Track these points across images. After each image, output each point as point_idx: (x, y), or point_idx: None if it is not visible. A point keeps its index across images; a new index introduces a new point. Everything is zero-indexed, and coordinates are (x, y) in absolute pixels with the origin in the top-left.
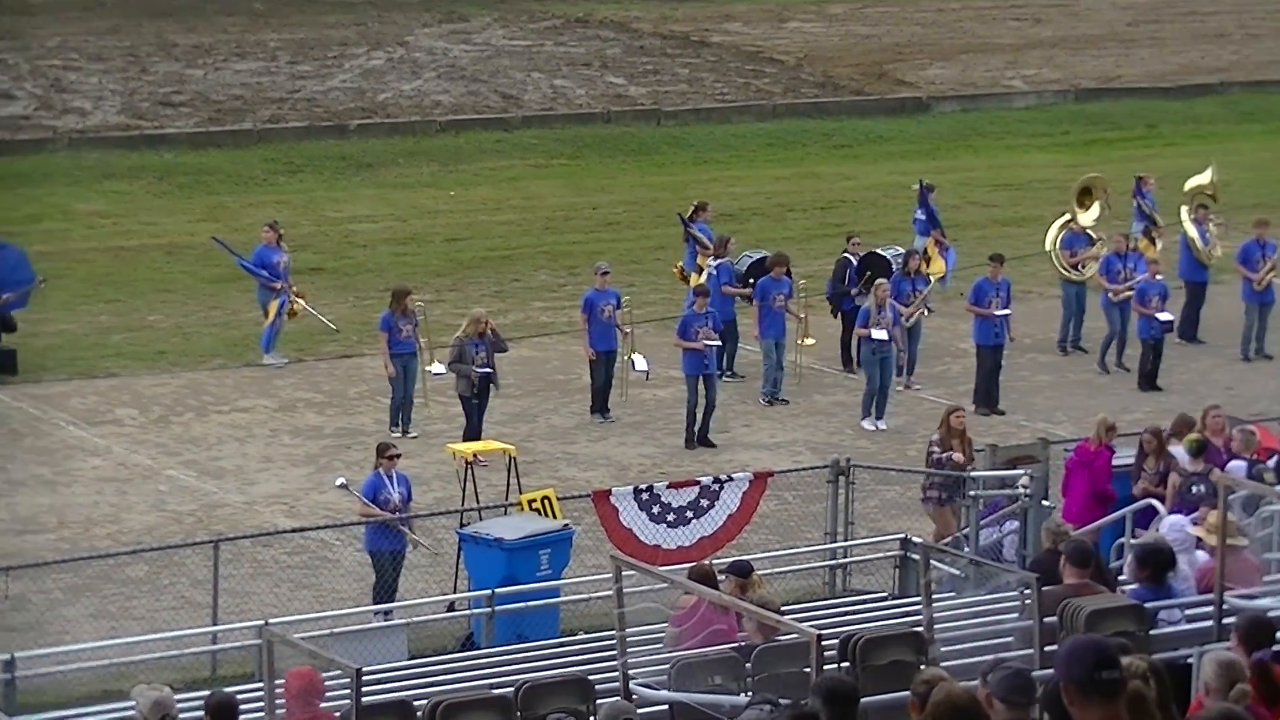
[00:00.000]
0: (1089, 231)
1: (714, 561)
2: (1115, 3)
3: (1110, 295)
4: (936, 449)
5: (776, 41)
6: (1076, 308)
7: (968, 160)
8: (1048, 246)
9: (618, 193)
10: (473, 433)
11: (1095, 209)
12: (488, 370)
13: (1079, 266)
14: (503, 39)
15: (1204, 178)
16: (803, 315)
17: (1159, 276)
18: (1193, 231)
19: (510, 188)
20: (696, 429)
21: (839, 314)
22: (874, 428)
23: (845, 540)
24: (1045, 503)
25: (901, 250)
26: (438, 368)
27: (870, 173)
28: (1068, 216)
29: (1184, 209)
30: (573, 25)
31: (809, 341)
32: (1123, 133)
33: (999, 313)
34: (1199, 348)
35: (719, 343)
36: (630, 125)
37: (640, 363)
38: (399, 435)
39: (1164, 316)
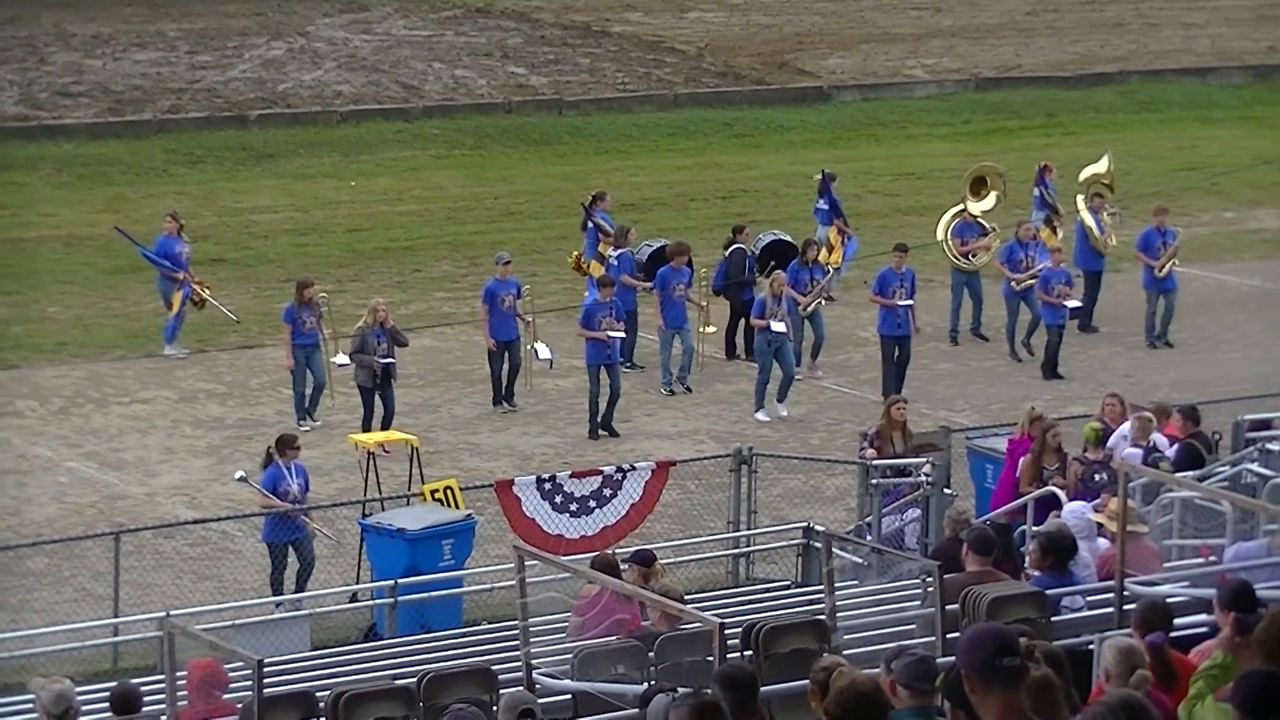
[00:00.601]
0: (981, 221)
1: (617, 551)
2: None
3: (1013, 284)
4: (866, 442)
5: (678, 31)
6: (971, 297)
7: (869, 150)
8: (939, 235)
9: (519, 183)
10: (368, 422)
11: (990, 198)
12: (389, 361)
13: (970, 255)
14: (403, 29)
15: (1100, 167)
16: (704, 304)
17: (1063, 265)
18: (1089, 220)
19: (412, 178)
20: (600, 418)
21: (737, 305)
22: (769, 419)
23: (748, 529)
24: (947, 490)
25: (782, 237)
26: (342, 358)
27: (771, 162)
28: (961, 206)
29: (1080, 198)
30: (473, 15)
31: (710, 329)
32: (1023, 122)
33: (902, 303)
34: (1097, 336)
35: (623, 334)
36: (531, 115)
37: (543, 351)
38: (305, 428)
39: (1071, 304)
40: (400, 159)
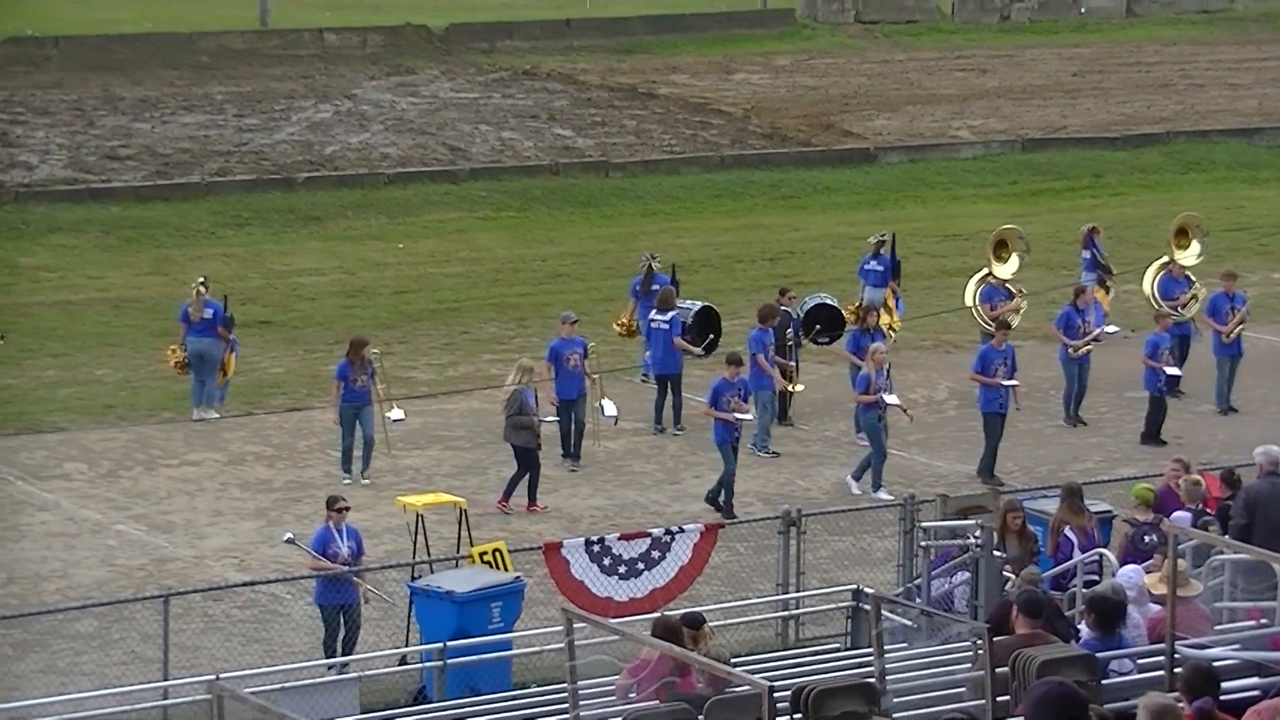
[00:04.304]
0: (1008, 285)
1: (664, 612)
2: (1059, 53)
3: (1070, 350)
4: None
5: (723, 93)
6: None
7: (914, 210)
8: (968, 300)
9: (565, 244)
10: (532, 486)
11: (1013, 261)
12: (553, 419)
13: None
14: (450, 91)
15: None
16: (792, 363)
17: (1166, 331)
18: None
19: (458, 240)
20: (711, 494)
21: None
22: (861, 493)
23: (797, 591)
24: (996, 553)
25: (826, 301)
26: (397, 414)
27: (817, 223)
28: (985, 270)
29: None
30: (520, 78)
31: (799, 388)
32: (1069, 183)
33: (1006, 383)
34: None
35: (751, 415)
36: (578, 177)
37: (609, 408)
38: (349, 481)
39: (1172, 371)
40: (446, 221)
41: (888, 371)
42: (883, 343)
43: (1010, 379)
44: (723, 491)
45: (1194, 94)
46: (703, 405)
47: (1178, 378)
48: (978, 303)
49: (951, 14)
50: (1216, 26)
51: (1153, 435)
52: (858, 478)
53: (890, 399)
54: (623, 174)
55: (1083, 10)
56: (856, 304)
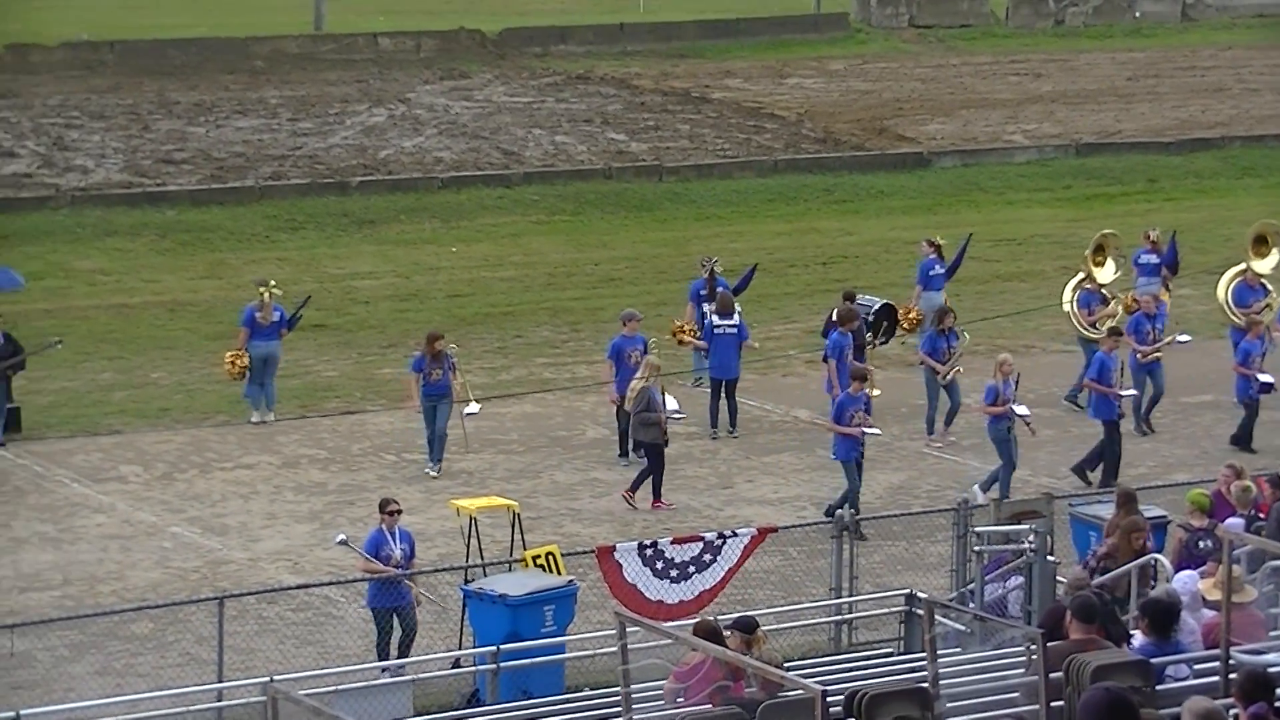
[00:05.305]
0: (1104, 290)
1: (719, 617)
2: (1114, 58)
3: (1139, 356)
4: (1095, 561)
5: (777, 97)
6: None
7: (968, 215)
8: (1065, 307)
9: (619, 249)
10: (658, 482)
11: (1110, 267)
12: (682, 415)
13: (1096, 324)
14: (503, 95)
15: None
16: (871, 367)
17: (1258, 338)
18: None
19: (511, 244)
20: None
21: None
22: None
23: (850, 596)
24: (1050, 558)
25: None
26: (473, 407)
27: (871, 228)
28: (1082, 275)
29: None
30: (573, 82)
31: (875, 392)
32: (1123, 187)
33: (1125, 393)
34: (1207, 404)
35: (878, 430)
36: (631, 181)
37: (671, 403)
38: (435, 474)
39: (1265, 378)
40: (500, 225)
41: (1016, 382)
42: (956, 342)
43: (1127, 388)
44: (845, 506)
45: (1249, 98)
46: (824, 421)
47: (1270, 385)
48: (1075, 308)
49: (1005, 18)
50: (1272, 30)
51: (1244, 440)
52: (986, 489)
53: (1020, 410)
54: (676, 178)
55: (1137, 15)
56: (909, 308)
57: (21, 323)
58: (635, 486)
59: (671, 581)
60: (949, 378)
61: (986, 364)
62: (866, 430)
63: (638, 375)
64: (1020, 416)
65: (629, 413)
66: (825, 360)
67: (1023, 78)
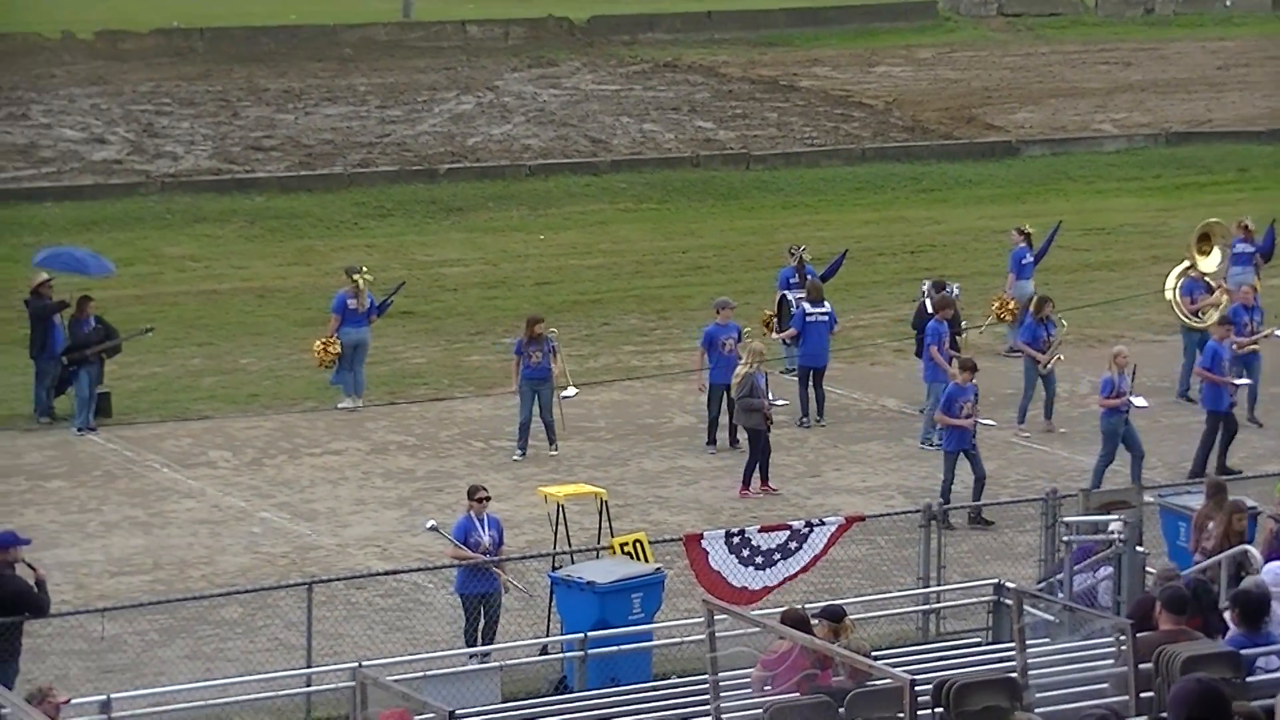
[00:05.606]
0: (1208, 279)
1: (806, 606)
2: (1204, 46)
3: (1234, 347)
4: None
5: (865, 86)
6: (1186, 355)
7: (1057, 204)
8: (1167, 295)
9: (706, 237)
10: (750, 469)
11: (1215, 255)
12: (783, 402)
13: (1199, 314)
14: (591, 84)
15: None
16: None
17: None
18: None
19: (599, 232)
20: (973, 510)
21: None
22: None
23: (938, 585)
24: (1140, 548)
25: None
26: (569, 391)
27: (959, 216)
28: (1187, 263)
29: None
30: (661, 70)
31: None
32: (1213, 177)
33: (1239, 382)
34: None
35: (992, 421)
36: (719, 169)
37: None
38: (519, 458)
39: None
40: (588, 212)
41: (1132, 374)
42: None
43: (1241, 377)
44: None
45: None
46: (935, 412)
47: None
48: (1178, 296)
49: (1095, 7)
50: None
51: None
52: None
53: (1139, 401)
54: (764, 166)
55: (1228, 3)
56: (1000, 296)
57: (112, 308)
58: (747, 481)
59: (757, 569)
60: (1049, 366)
61: (1074, 353)
62: (981, 420)
63: (742, 361)
64: (1140, 408)
65: (730, 400)
66: (926, 349)
67: (1112, 66)
